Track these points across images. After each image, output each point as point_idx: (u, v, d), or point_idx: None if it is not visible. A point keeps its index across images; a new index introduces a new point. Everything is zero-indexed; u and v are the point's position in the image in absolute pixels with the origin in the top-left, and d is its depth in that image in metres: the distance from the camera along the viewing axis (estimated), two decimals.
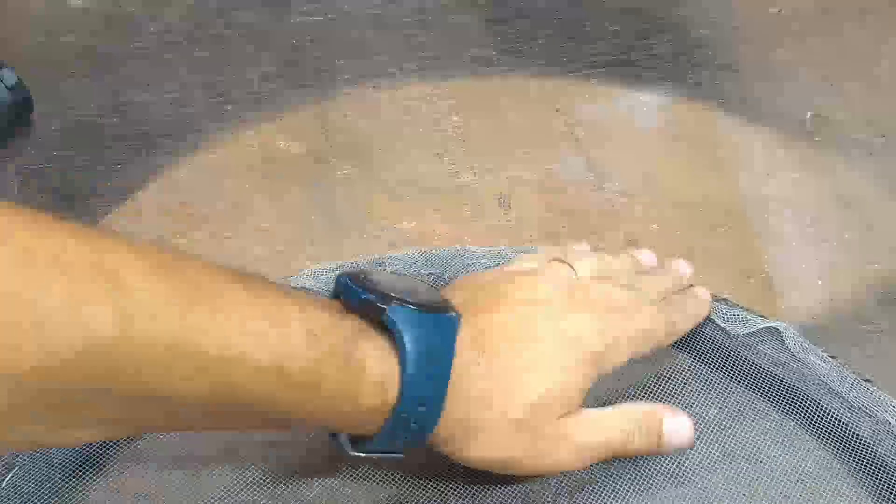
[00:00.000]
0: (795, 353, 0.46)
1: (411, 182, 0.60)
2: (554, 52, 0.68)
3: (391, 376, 0.35)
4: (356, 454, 0.37)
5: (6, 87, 0.60)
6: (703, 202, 0.58)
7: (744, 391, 0.46)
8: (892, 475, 0.42)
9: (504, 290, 0.41)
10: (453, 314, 0.37)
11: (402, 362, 0.35)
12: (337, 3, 0.71)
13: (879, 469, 0.43)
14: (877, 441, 0.44)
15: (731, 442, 0.44)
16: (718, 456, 0.43)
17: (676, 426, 0.41)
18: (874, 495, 0.42)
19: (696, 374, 0.47)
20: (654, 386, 0.46)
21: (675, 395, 0.45)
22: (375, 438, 0.36)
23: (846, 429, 0.44)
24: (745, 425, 0.45)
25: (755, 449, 0.44)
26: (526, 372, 0.38)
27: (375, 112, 0.64)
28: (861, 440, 0.44)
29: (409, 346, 0.35)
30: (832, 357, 0.46)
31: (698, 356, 0.47)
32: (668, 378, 0.46)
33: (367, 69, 0.67)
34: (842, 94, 0.65)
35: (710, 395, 0.46)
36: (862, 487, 0.43)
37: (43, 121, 0.63)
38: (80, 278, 0.28)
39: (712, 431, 0.44)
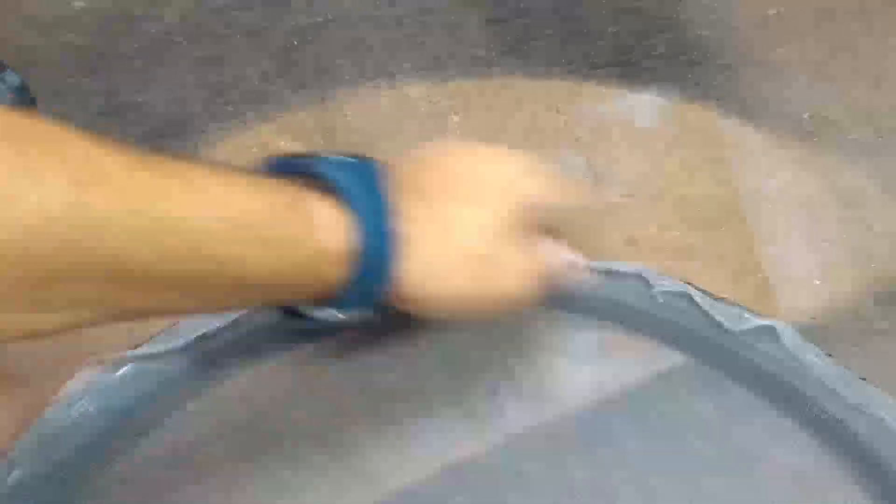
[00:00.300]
0: (793, 352, 0.46)
1: None
2: (554, 52, 0.68)
3: (341, 222, 0.37)
4: (339, 315, 0.39)
5: (10, 89, 0.60)
6: (702, 202, 0.58)
7: (741, 389, 0.46)
8: (889, 472, 0.43)
9: (437, 147, 0.44)
10: (373, 161, 0.40)
11: (346, 204, 0.37)
12: (337, 3, 0.72)
13: (876, 466, 0.43)
14: (874, 438, 0.44)
15: (728, 440, 0.44)
16: (716, 454, 0.44)
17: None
18: (871, 492, 0.42)
19: (693, 373, 0.47)
20: (652, 385, 0.46)
21: (674, 394, 0.46)
22: (346, 292, 0.38)
23: (843, 426, 0.44)
24: (743, 423, 0.45)
25: (753, 447, 0.44)
26: (466, 207, 0.41)
27: (375, 112, 0.64)
28: (858, 438, 0.44)
29: (343, 185, 0.38)
30: (829, 355, 0.47)
31: (696, 354, 0.47)
32: (667, 377, 0.47)
33: (366, 69, 0.67)
34: (841, 93, 0.65)
35: (707, 394, 0.46)
36: (858, 485, 0.43)
37: None
38: (28, 149, 0.28)
39: (710, 430, 0.44)
